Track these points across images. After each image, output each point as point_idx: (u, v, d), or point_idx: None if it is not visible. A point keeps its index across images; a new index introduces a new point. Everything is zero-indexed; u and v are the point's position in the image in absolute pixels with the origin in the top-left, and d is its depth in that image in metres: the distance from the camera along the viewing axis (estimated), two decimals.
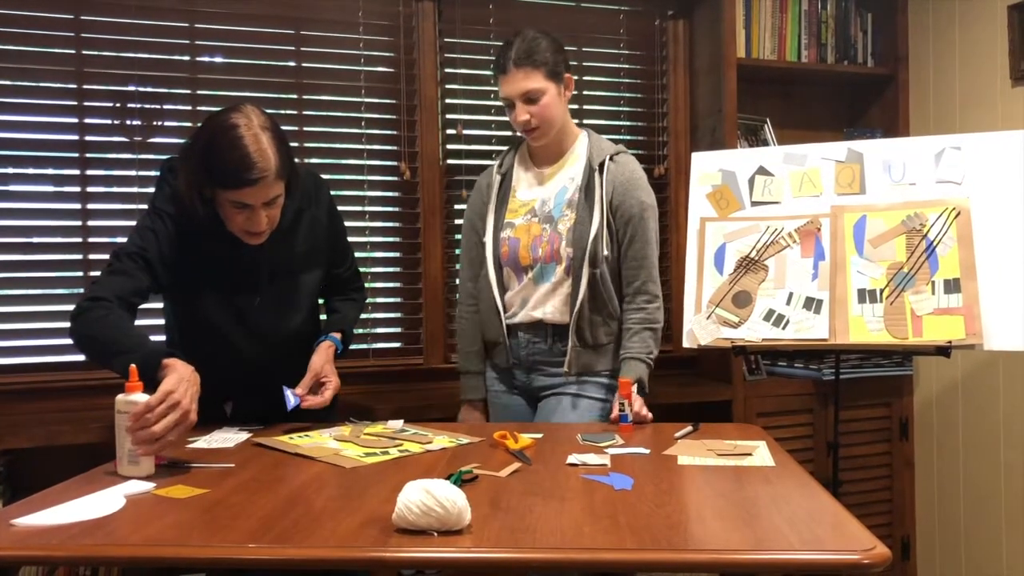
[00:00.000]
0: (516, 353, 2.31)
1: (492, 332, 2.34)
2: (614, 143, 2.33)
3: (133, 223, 2.70)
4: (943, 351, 2.25)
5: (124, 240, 1.97)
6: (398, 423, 2.05)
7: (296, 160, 1.95)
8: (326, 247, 2.14)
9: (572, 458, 1.69)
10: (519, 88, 2.18)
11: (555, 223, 2.24)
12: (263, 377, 2.03)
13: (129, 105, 2.77)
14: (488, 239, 2.31)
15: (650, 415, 2.09)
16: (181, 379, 1.65)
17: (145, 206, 2.71)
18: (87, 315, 1.82)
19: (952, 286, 2.29)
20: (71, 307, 2.66)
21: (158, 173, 2.00)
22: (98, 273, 2.70)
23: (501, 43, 2.25)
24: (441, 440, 1.88)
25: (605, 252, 2.21)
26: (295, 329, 2.10)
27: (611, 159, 2.24)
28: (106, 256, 2.70)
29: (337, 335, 2.19)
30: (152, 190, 2.01)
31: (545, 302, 2.26)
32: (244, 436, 1.92)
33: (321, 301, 2.29)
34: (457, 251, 3.12)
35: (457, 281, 3.11)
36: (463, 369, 2.42)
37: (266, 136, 1.81)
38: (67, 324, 2.73)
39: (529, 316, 2.28)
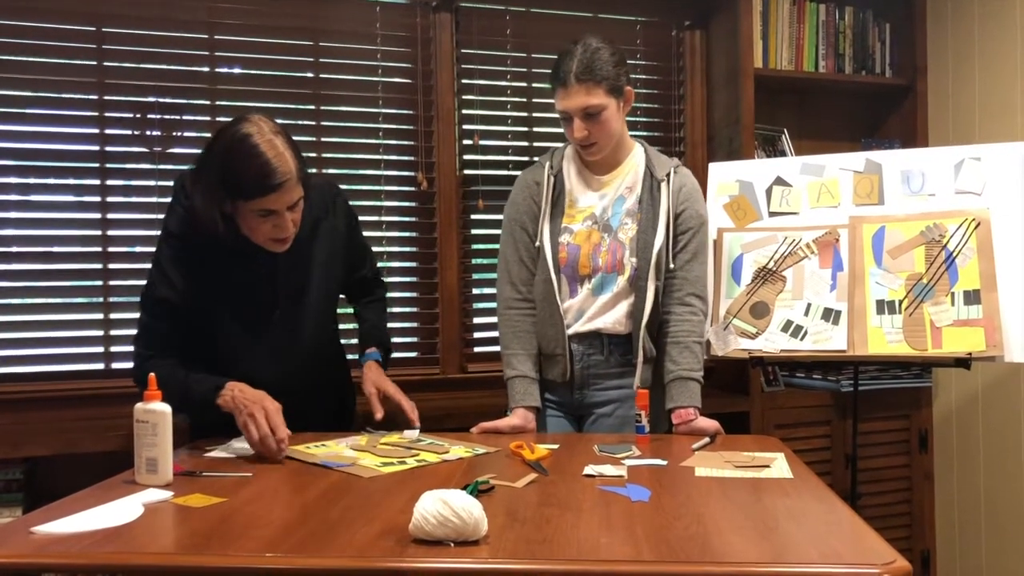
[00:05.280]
0: (571, 367, 2.21)
1: (550, 343, 2.20)
2: (669, 156, 2.29)
3: (152, 233, 2.77)
4: (963, 363, 2.23)
5: (141, 245, 1.98)
6: (414, 433, 2.05)
7: (313, 170, 1.96)
8: (344, 254, 2.15)
9: (589, 469, 1.69)
10: (579, 104, 2.08)
11: (614, 232, 2.17)
12: (283, 390, 2.02)
13: (149, 116, 2.80)
14: (546, 243, 2.19)
15: (716, 423, 2.08)
16: (236, 406, 1.85)
17: (163, 216, 2.76)
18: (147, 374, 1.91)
19: (972, 297, 2.27)
20: (91, 316, 2.74)
21: (172, 190, 2.01)
22: (121, 282, 2.77)
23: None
24: (457, 450, 1.88)
25: (671, 264, 2.18)
26: (314, 340, 2.11)
27: (674, 171, 2.21)
28: (125, 265, 2.77)
29: (373, 350, 2.23)
30: (169, 200, 2.02)
31: (605, 312, 2.18)
32: None
33: (350, 310, 2.36)
34: (475, 260, 3.14)
35: (475, 290, 3.14)
36: (518, 373, 2.20)
37: (280, 140, 1.83)
38: (87, 333, 2.78)
39: (586, 327, 2.18)
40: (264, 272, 2.00)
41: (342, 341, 2.34)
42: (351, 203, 2.20)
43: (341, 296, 2.30)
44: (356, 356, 2.31)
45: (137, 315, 2.72)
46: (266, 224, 1.87)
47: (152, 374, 1.65)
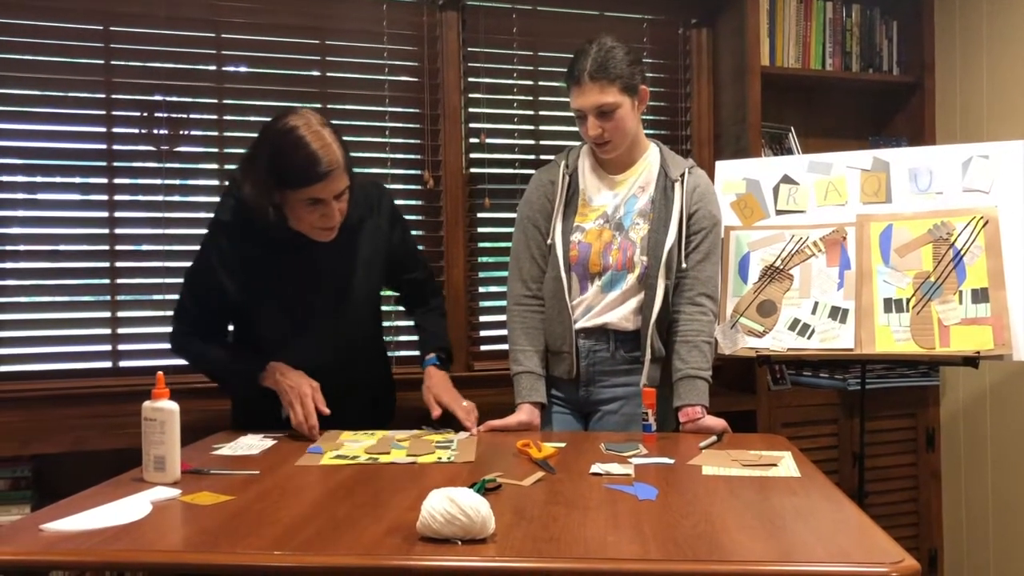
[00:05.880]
0: (577, 363, 2.22)
1: (557, 340, 2.22)
2: (684, 157, 2.29)
3: (159, 232, 2.77)
4: (971, 361, 2.22)
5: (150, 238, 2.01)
6: (464, 435, 2.05)
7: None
8: (387, 253, 2.20)
9: (596, 468, 1.69)
10: (593, 102, 2.11)
11: (626, 231, 2.19)
12: (321, 383, 2.04)
13: (156, 114, 2.80)
14: (558, 241, 2.21)
15: (723, 421, 2.09)
16: (281, 388, 2.01)
17: (171, 215, 2.77)
18: (188, 348, 2.12)
19: (980, 296, 2.26)
20: (98, 314, 2.74)
21: (226, 185, 2.10)
22: (128, 281, 2.77)
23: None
24: (427, 458, 1.79)
25: (684, 265, 2.19)
26: (354, 333, 2.16)
27: (688, 171, 2.22)
28: (132, 264, 2.78)
29: (431, 356, 2.28)
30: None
31: (613, 308, 2.18)
32: (269, 443, 1.93)
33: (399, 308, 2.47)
34: (481, 259, 3.14)
35: (481, 289, 3.14)
36: (524, 369, 2.22)
37: (326, 132, 1.90)
38: (94, 331, 2.78)
39: (592, 322, 2.19)
40: (308, 265, 2.05)
41: (389, 338, 2.42)
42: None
43: (389, 293, 2.37)
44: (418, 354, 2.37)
45: (143, 313, 2.77)
46: (314, 213, 1.93)
47: (160, 373, 1.66)
